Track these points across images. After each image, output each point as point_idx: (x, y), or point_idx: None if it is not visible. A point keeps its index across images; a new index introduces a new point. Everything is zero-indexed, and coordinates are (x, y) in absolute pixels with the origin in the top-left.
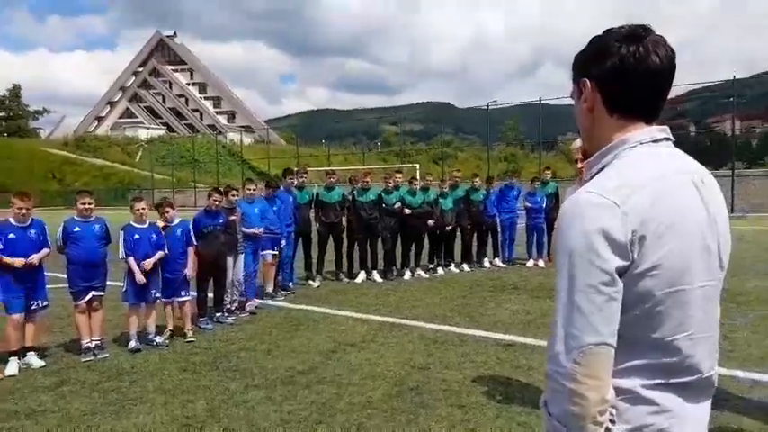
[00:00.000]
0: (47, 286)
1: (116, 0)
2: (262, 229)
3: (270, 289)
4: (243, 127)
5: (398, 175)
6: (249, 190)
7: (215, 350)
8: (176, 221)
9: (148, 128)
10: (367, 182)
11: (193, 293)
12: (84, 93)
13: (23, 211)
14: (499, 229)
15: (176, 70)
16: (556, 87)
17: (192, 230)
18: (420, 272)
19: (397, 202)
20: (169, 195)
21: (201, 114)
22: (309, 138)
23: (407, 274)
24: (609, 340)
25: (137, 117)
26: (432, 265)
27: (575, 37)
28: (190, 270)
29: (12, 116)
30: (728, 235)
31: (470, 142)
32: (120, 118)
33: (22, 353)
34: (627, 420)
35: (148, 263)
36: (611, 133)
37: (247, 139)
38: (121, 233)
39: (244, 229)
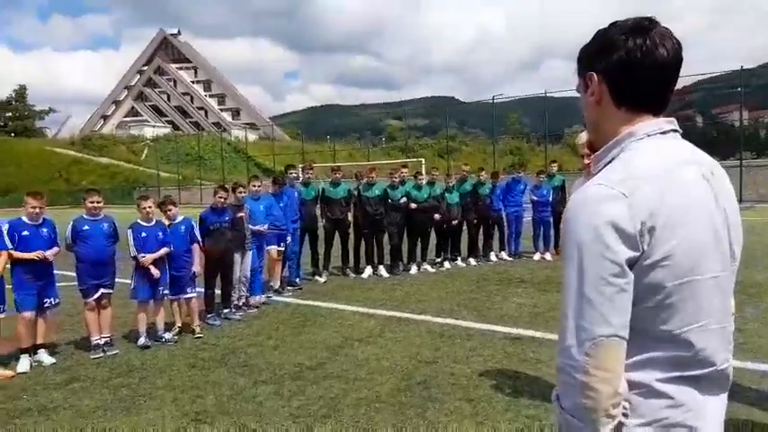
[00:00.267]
0: (57, 284)
1: None
2: (266, 226)
3: (276, 284)
4: (248, 124)
5: (404, 170)
6: (254, 187)
7: (223, 346)
8: (179, 219)
9: (154, 126)
10: (372, 177)
11: (201, 290)
12: (89, 92)
13: (37, 210)
14: (505, 223)
15: (181, 68)
16: (561, 81)
17: (195, 227)
18: (426, 266)
19: (402, 196)
20: (175, 193)
21: (206, 112)
22: (314, 134)
23: (414, 269)
24: (620, 332)
25: (142, 116)
26: (438, 260)
27: (581, 31)
28: (197, 267)
29: (18, 116)
30: (740, 226)
31: (474, 136)
32: (126, 117)
33: (33, 350)
34: (641, 414)
35: (149, 257)
36: (619, 126)
37: (252, 136)
38: (130, 231)
39: (250, 225)
